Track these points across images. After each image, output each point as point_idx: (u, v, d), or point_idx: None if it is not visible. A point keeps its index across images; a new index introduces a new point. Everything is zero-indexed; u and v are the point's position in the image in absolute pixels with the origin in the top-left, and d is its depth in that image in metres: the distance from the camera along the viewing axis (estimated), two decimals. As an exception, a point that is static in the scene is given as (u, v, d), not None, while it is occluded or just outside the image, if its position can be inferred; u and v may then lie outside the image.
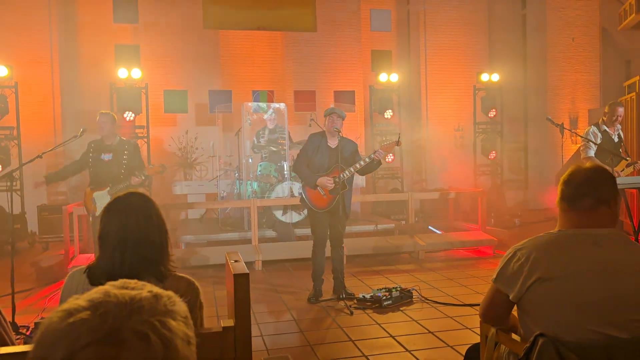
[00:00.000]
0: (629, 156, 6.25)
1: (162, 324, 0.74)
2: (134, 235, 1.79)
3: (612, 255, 1.87)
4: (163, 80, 9.90)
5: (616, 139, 6.19)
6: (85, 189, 5.44)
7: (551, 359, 1.74)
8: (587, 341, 1.77)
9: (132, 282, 0.82)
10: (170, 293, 0.82)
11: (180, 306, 0.81)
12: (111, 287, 0.79)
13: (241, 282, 1.65)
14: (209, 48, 10.42)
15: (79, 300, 0.76)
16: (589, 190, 1.95)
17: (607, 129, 6.14)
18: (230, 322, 1.69)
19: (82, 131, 5.15)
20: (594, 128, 6.16)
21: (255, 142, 8.26)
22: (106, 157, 5.34)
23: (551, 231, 1.97)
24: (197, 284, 1.91)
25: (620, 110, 6.13)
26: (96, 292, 0.77)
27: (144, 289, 0.80)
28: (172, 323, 0.75)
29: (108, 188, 5.31)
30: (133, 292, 0.78)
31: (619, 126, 6.24)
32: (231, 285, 1.74)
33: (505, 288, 1.92)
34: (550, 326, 1.81)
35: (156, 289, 0.81)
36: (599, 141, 6.06)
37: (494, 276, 1.96)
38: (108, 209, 1.84)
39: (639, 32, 10.45)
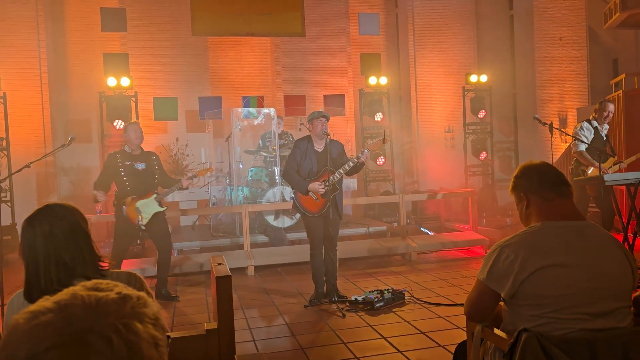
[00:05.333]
0: (615, 154, 6.31)
1: (127, 326, 0.73)
2: (52, 246, 1.79)
3: (596, 245, 1.93)
4: (152, 88, 9.89)
5: (604, 137, 6.25)
6: (125, 200, 5.32)
7: (535, 354, 1.76)
8: (571, 335, 1.80)
9: (104, 283, 0.81)
10: (140, 294, 0.81)
11: (150, 308, 0.79)
12: (80, 289, 0.78)
13: (223, 284, 1.65)
14: (198, 55, 10.43)
15: (46, 302, 0.75)
16: (564, 178, 2.04)
17: (598, 125, 6.18)
18: (213, 325, 1.69)
19: (71, 140, 5.12)
20: (586, 124, 6.20)
21: (261, 144, 8.28)
22: (140, 166, 5.39)
23: (534, 225, 1.99)
24: (139, 275, 1.91)
25: (611, 107, 6.19)
26: (64, 293, 0.77)
27: (114, 290, 0.79)
28: (139, 326, 0.74)
29: (154, 195, 5.38)
30: (100, 294, 0.77)
31: (606, 125, 6.30)
32: (215, 288, 1.74)
33: (496, 286, 1.92)
34: (540, 320, 1.83)
35: (126, 290, 0.80)
36: (591, 136, 6.11)
37: (483, 275, 1.95)
38: (22, 228, 1.84)
39: (624, 30, 10.55)
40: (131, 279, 1.88)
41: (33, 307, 0.75)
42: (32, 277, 1.79)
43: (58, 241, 1.79)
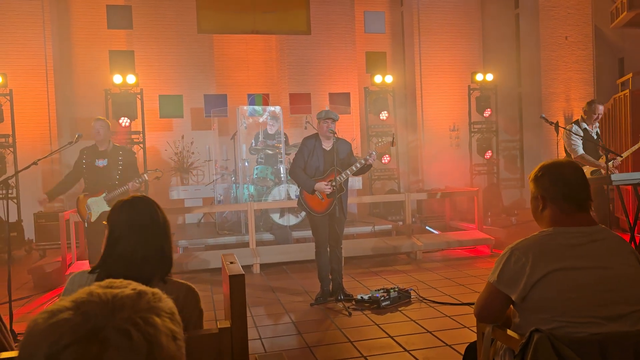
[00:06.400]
0: (604, 153, 6.24)
1: (145, 320, 0.74)
2: (147, 235, 1.83)
3: (607, 249, 1.91)
4: (158, 85, 9.90)
5: (595, 136, 6.19)
6: (79, 196, 5.45)
7: (547, 354, 1.75)
8: (583, 336, 1.79)
9: (117, 281, 0.82)
10: (155, 290, 0.82)
11: (166, 302, 0.80)
12: (95, 287, 0.79)
13: (237, 282, 1.66)
14: (204, 52, 10.44)
15: (63, 301, 0.76)
16: (588, 193, 1.99)
17: (587, 127, 6.12)
18: (226, 324, 1.69)
19: (78, 137, 5.14)
20: (575, 127, 6.10)
21: (253, 144, 8.30)
22: (101, 163, 5.36)
23: (545, 229, 1.98)
24: (197, 292, 1.94)
25: (601, 108, 6.10)
26: (81, 292, 0.78)
27: (128, 287, 0.80)
28: (156, 319, 0.75)
29: (104, 194, 5.31)
30: (116, 291, 0.78)
31: (597, 124, 6.22)
32: (227, 287, 1.75)
33: (507, 289, 1.91)
34: (552, 324, 1.83)
35: (140, 287, 0.81)
36: (580, 140, 6.03)
37: (494, 278, 1.94)
38: (120, 209, 1.86)
39: (631, 29, 10.50)
40: (189, 294, 1.90)
41: (50, 306, 0.76)
42: (122, 255, 1.81)
43: (161, 228, 1.87)
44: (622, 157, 6.13)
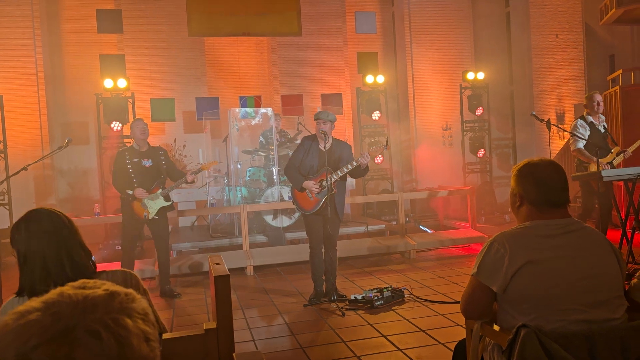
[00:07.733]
0: (617, 144, 6.32)
1: (115, 321, 0.73)
2: (53, 241, 1.80)
3: (583, 240, 1.96)
4: (149, 89, 9.87)
5: (602, 130, 6.26)
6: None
7: (534, 349, 1.76)
8: (569, 330, 1.80)
9: (91, 282, 0.81)
10: (128, 291, 0.81)
11: (139, 303, 0.80)
12: (68, 288, 0.78)
13: (222, 283, 1.65)
14: (195, 55, 10.42)
15: (33, 302, 0.75)
16: (567, 194, 2.04)
17: (593, 120, 6.20)
18: (212, 324, 1.68)
19: (68, 142, 5.12)
20: (580, 121, 6.22)
21: (263, 141, 8.30)
22: (147, 163, 5.56)
23: (524, 223, 2.02)
24: (135, 273, 1.93)
25: (598, 97, 6.20)
26: (52, 293, 0.77)
27: (101, 287, 0.79)
28: (128, 321, 0.75)
29: (160, 190, 5.55)
30: (87, 292, 0.77)
31: (602, 117, 6.31)
32: (214, 288, 1.74)
33: (488, 281, 1.93)
34: (534, 313, 1.85)
35: (113, 287, 0.80)
36: (587, 133, 6.13)
37: (475, 270, 1.98)
38: (17, 227, 1.82)
39: (621, 26, 10.55)
40: (127, 277, 1.90)
41: (20, 307, 0.76)
42: (38, 271, 1.78)
43: (60, 240, 1.80)
44: (628, 150, 6.17)
